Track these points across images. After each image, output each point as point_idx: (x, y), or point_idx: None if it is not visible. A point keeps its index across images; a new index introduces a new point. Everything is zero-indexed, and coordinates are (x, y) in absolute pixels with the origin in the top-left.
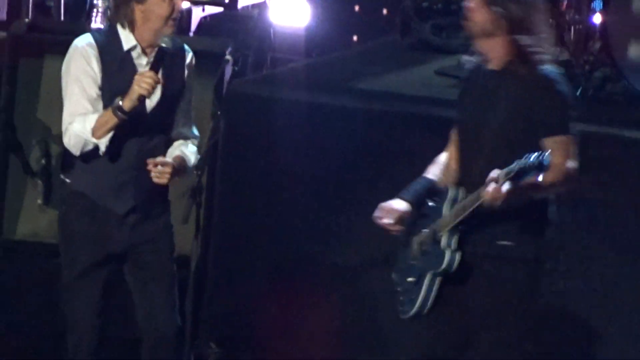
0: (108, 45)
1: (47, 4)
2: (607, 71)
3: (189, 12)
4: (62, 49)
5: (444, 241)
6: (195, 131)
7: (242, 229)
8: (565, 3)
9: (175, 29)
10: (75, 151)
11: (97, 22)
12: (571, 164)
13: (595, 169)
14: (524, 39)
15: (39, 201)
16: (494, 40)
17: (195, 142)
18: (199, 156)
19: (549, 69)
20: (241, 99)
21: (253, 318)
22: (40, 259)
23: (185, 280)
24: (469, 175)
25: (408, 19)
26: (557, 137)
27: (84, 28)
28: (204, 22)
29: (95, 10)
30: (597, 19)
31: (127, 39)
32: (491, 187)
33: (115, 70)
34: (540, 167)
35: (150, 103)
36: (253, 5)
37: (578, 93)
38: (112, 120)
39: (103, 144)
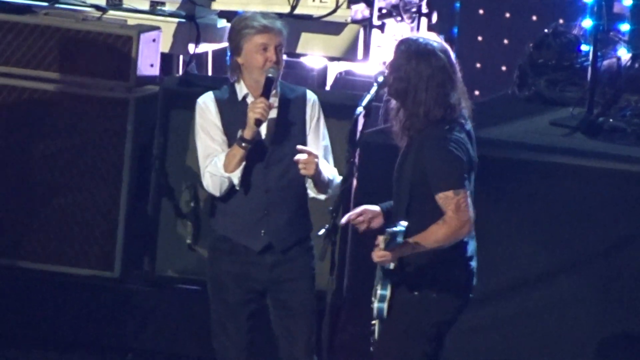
0: (225, 98)
1: (193, 63)
2: None
3: (325, 68)
4: None
5: (376, 292)
6: (334, 170)
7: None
8: None
9: (280, 69)
10: (215, 192)
11: None
12: (457, 217)
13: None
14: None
15: (188, 241)
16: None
17: (335, 171)
18: (336, 182)
19: (441, 127)
20: (372, 147)
21: None
22: (188, 293)
23: (321, 313)
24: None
25: (525, 74)
26: (441, 194)
27: (228, 83)
28: (339, 77)
29: None
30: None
31: (240, 89)
32: (375, 251)
33: (234, 117)
34: (405, 232)
35: (268, 136)
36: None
37: None
38: (238, 151)
39: (236, 176)
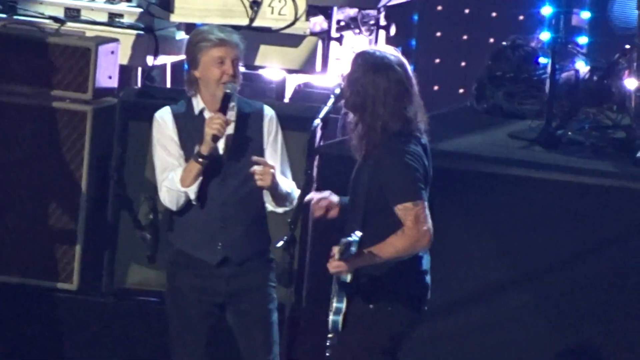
0: (182, 112)
1: (151, 75)
2: None
3: (283, 80)
4: None
5: (332, 304)
6: (292, 183)
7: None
8: (626, 72)
9: (237, 83)
10: (171, 206)
11: None
12: (416, 228)
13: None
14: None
15: (147, 253)
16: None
17: (293, 185)
18: (294, 195)
19: (398, 140)
20: (329, 159)
21: None
22: (147, 305)
23: (280, 325)
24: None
25: (483, 87)
26: (400, 205)
27: (186, 95)
28: (297, 89)
29: None
30: None
31: (197, 104)
32: (330, 261)
33: (191, 132)
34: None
35: (225, 151)
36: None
37: (638, 155)
38: (195, 167)
39: (192, 191)
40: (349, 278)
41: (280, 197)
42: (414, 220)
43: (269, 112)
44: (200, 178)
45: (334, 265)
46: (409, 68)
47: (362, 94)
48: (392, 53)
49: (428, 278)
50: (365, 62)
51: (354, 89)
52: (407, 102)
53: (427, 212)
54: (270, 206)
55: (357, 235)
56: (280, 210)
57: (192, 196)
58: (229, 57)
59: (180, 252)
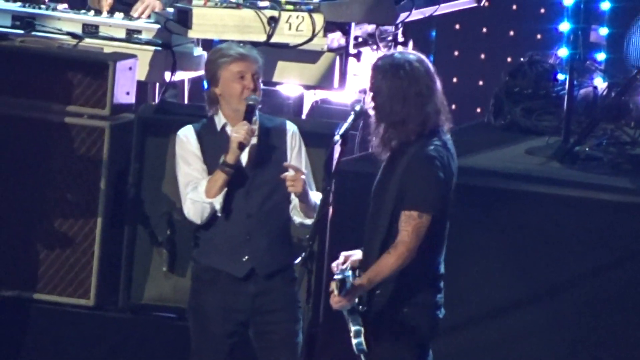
0: (204, 129)
1: (167, 93)
2: None
3: (301, 96)
4: None
5: (350, 329)
6: (319, 195)
7: None
8: None
9: (258, 95)
10: (196, 219)
11: None
12: (407, 239)
13: None
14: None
15: (164, 268)
16: None
17: (320, 196)
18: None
19: (428, 146)
20: (349, 175)
21: None
22: (164, 321)
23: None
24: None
25: (500, 103)
26: (406, 211)
27: (204, 111)
28: (315, 105)
29: None
30: None
31: (219, 120)
32: (331, 297)
33: (214, 148)
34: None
35: (249, 164)
36: (361, 91)
37: None
38: (221, 176)
39: (218, 202)
40: (357, 300)
41: (310, 207)
42: (412, 232)
43: (291, 127)
44: (225, 189)
45: (336, 301)
46: (430, 65)
47: (383, 93)
48: (412, 53)
49: (442, 283)
50: (384, 63)
51: (375, 90)
52: (427, 99)
53: (425, 229)
54: (298, 218)
55: (348, 270)
56: (309, 221)
57: (218, 207)
58: (249, 72)
59: (206, 268)
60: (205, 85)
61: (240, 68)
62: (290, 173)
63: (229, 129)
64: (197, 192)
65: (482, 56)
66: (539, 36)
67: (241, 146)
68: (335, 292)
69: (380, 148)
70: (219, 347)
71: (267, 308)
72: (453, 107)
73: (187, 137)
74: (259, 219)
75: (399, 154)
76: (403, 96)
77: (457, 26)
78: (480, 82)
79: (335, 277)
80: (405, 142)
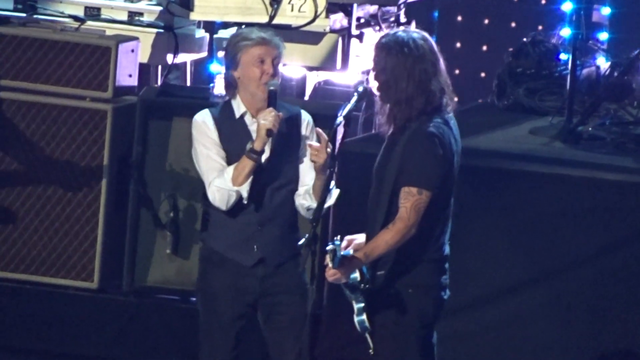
0: (222, 116)
1: (173, 73)
2: None
3: (303, 78)
4: (187, 111)
5: (353, 307)
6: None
7: None
8: None
9: (278, 81)
10: (222, 205)
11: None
12: (405, 216)
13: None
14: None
15: (168, 251)
16: None
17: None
18: (333, 192)
19: (429, 123)
20: (352, 156)
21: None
22: (168, 303)
23: None
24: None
25: (503, 83)
26: (406, 187)
27: (208, 93)
28: (317, 87)
29: (217, 77)
30: None
31: (238, 107)
32: (326, 270)
33: (231, 135)
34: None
35: (265, 157)
36: (364, 72)
37: None
38: (248, 163)
39: (245, 189)
40: (358, 278)
41: (324, 187)
42: (410, 208)
43: (306, 116)
44: (252, 176)
45: (330, 274)
46: (434, 44)
47: (387, 71)
48: (415, 31)
49: (447, 264)
50: (388, 41)
51: (379, 68)
52: (431, 76)
53: (425, 205)
54: (307, 202)
55: (336, 240)
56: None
57: (245, 194)
58: (270, 57)
59: (214, 250)
60: (224, 69)
61: (260, 52)
62: (315, 143)
63: (247, 119)
64: (223, 179)
65: (484, 48)
66: (540, 27)
67: (269, 133)
68: (330, 264)
69: (386, 127)
70: (228, 329)
71: (276, 289)
72: (455, 99)
73: (205, 122)
74: (271, 209)
75: (400, 131)
76: (408, 74)
77: (459, 18)
78: (482, 74)
79: (327, 248)
80: (407, 119)
